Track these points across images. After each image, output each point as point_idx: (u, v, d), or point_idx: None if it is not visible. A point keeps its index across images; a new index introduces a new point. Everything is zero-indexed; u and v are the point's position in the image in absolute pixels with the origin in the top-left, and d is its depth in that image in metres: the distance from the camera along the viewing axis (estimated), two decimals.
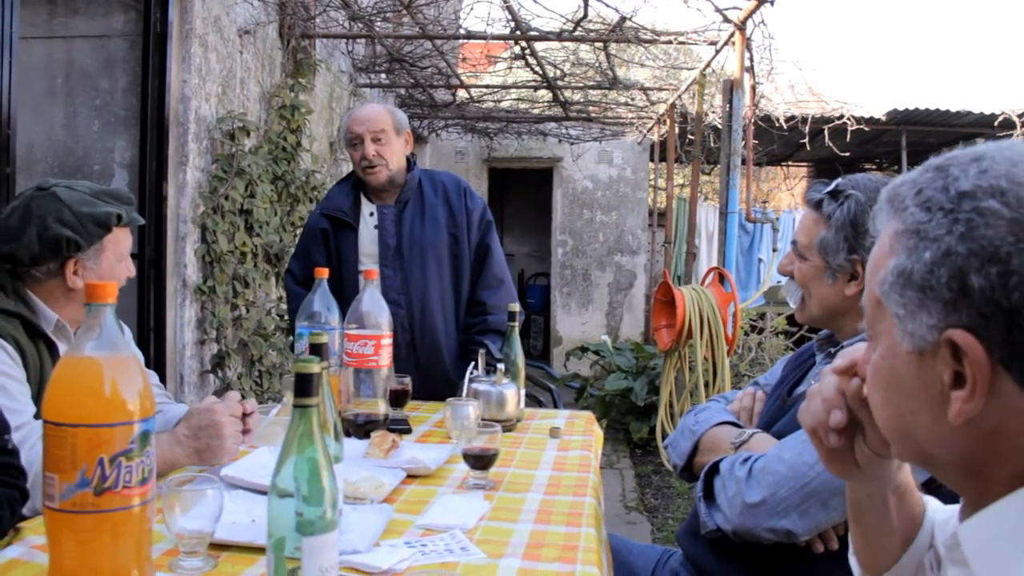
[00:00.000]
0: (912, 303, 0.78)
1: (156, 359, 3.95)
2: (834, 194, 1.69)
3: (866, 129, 7.42)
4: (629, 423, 6.53)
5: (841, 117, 6.86)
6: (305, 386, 1.14)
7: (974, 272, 0.73)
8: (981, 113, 8.17)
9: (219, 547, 1.41)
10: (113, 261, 1.95)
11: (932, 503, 1.11)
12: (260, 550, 1.26)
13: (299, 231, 4.90)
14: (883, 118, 8.39)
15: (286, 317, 4.61)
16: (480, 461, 1.85)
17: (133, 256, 2.08)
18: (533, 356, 11.01)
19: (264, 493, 1.14)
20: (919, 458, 0.85)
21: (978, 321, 0.73)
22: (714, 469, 1.69)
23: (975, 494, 0.80)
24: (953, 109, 8.27)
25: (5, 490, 1.47)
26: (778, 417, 1.78)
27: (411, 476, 1.88)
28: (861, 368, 0.92)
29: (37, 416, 1.70)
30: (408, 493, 1.80)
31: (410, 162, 3.01)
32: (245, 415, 1.94)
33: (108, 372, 1.07)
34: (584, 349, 8.07)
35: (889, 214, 0.84)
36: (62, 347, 1.89)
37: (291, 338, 2.36)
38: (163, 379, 3.88)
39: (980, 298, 0.72)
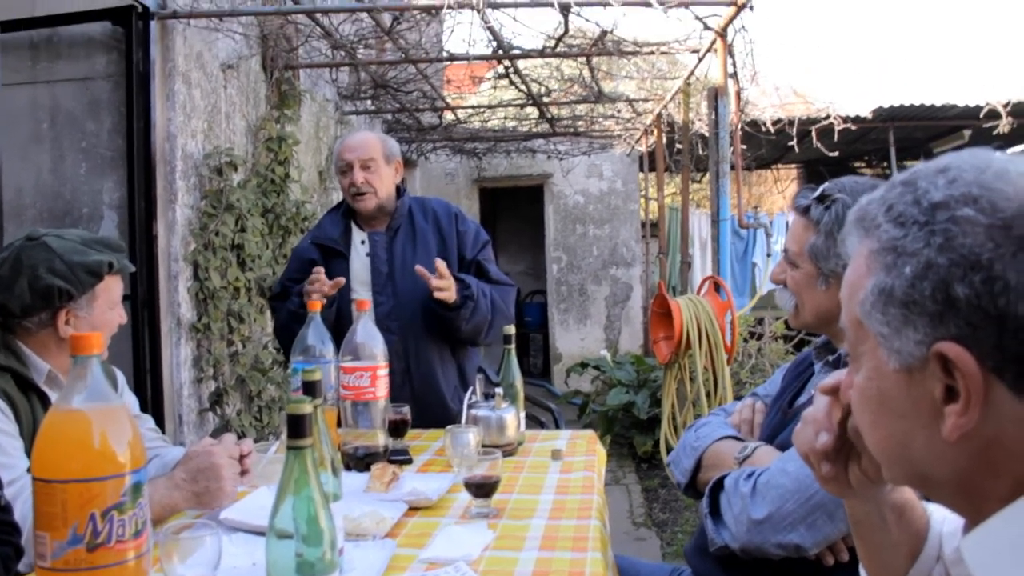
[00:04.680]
0: (896, 320, 0.76)
1: (153, 400, 3.92)
2: (821, 199, 1.69)
3: (853, 128, 7.42)
4: (633, 437, 6.49)
5: (828, 117, 6.85)
6: (298, 427, 1.13)
7: (957, 282, 0.72)
8: (966, 106, 8.19)
9: None
10: (105, 309, 1.94)
11: (938, 514, 1.09)
12: None
13: None
14: (869, 116, 8.40)
15: (282, 351, 4.58)
16: (482, 489, 1.84)
17: (126, 298, 2.07)
18: (533, 374, 10.96)
19: (264, 534, 1.12)
20: (913, 480, 0.83)
21: (966, 331, 0.72)
22: (719, 485, 1.67)
23: (974, 511, 0.78)
24: (938, 103, 8.29)
25: None
26: (780, 429, 1.77)
27: (413, 508, 1.86)
28: (845, 393, 0.90)
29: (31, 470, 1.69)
30: (410, 526, 1.78)
31: (400, 190, 3.01)
32: (242, 456, 1.92)
33: (96, 424, 1.05)
34: (584, 365, 8.04)
35: (860, 235, 0.83)
36: (55, 398, 1.87)
37: (288, 371, 2.35)
38: (161, 420, 3.85)
39: (966, 307, 0.71)
